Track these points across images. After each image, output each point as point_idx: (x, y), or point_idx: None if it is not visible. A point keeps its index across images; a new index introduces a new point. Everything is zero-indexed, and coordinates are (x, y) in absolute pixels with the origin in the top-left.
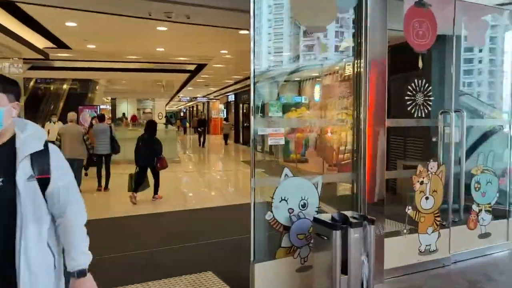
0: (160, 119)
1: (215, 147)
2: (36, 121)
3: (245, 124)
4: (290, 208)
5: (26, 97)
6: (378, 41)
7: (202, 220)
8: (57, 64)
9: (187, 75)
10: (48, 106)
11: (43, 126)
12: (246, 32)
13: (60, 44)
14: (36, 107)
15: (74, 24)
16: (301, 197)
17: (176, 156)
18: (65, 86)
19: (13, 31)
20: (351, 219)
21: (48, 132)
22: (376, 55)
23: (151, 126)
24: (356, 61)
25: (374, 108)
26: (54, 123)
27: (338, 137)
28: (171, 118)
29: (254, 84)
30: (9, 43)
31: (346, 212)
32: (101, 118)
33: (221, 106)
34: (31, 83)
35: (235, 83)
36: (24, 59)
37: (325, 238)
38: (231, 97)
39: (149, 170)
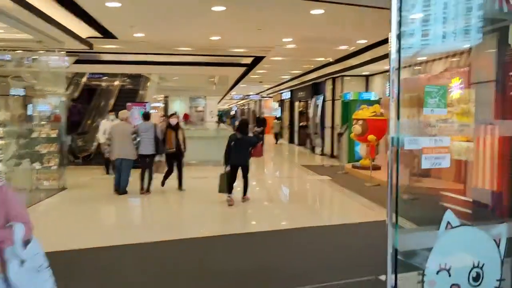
0: (212, 118)
1: (269, 148)
2: (87, 113)
3: (301, 124)
4: (455, 284)
5: (80, 91)
6: None
7: (273, 250)
8: (104, 57)
9: (242, 69)
10: (100, 101)
11: (93, 123)
12: (320, 11)
13: (105, 33)
14: (89, 101)
15: (117, 5)
16: (473, 263)
17: None
18: (116, 82)
19: (51, 16)
20: None
21: (104, 132)
22: None
23: (244, 125)
24: None
25: None
26: (112, 120)
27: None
28: (221, 116)
29: (400, 63)
30: (50, 31)
31: None
32: (146, 116)
33: (275, 105)
34: (84, 78)
35: (292, 79)
36: (67, 51)
37: None
38: (285, 95)
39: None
